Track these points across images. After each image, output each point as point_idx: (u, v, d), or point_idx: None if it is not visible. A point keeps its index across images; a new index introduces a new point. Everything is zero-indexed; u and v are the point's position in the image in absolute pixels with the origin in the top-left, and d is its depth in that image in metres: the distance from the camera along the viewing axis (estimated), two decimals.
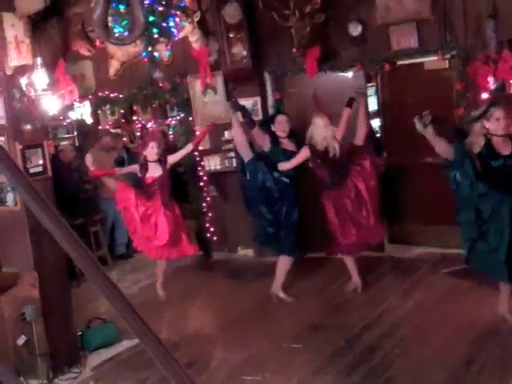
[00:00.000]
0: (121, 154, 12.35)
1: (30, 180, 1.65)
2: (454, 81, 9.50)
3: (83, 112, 12.45)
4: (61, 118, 12.42)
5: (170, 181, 9.83)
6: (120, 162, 11.67)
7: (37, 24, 7.74)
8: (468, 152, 7.34)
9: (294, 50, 9.96)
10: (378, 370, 6.82)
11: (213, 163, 11.42)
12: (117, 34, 7.96)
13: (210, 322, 9.32)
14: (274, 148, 9.11)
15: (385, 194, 10.71)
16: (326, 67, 10.23)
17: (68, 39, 8.96)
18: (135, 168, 9.92)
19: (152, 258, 9.97)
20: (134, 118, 13.73)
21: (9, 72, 7.16)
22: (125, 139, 13.57)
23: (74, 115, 12.77)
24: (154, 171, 9.67)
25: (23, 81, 7.62)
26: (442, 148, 7.61)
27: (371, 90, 11.47)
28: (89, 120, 12.90)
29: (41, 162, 7.53)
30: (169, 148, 11.92)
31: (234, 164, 11.16)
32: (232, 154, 11.19)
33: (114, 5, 7.74)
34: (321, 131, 8.80)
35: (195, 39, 10.52)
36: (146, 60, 8.71)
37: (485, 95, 8.73)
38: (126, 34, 7.92)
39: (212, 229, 11.52)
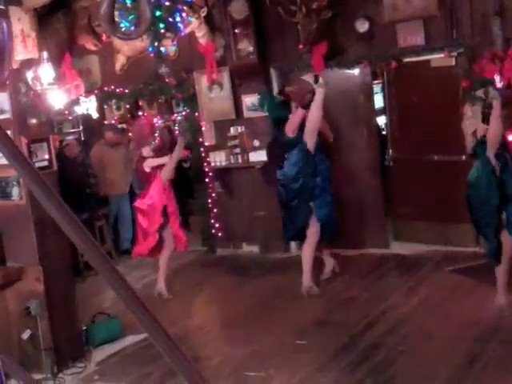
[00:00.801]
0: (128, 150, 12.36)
1: (39, 173, 1.65)
2: (460, 78, 9.48)
3: (89, 107, 12.43)
4: (66, 112, 12.41)
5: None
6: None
7: (43, 18, 7.73)
8: None
9: (301, 46, 9.95)
10: (382, 367, 6.82)
11: (218, 159, 11.41)
12: (123, 29, 7.96)
13: (215, 318, 9.33)
14: None
15: (390, 192, 10.74)
16: (332, 64, 10.21)
17: (74, 33, 8.96)
18: (166, 159, 9.88)
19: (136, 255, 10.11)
20: (140, 113, 13.71)
21: (15, 66, 7.15)
22: (130, 134, 13.55)
23: (79, 110, 12.76)
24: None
25: (29, 75, 7.60)
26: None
27: (377, 87, 11.47)
28: (94, 115, 12.89)
29: (46, 156, 7.53)
30: (174, 143, 11.90)
31: (240, 160, 11.16)
32: (237, 150, 11.19)
33: None
34: None
35: (202, 34, 10.51)
36: (152, 55, 8.71)
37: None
38: (132, 28, 7.92)
39: (217, 225, 11.52)
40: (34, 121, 7.47)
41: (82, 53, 11.13)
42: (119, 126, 13.41)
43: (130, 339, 8.22)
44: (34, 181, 1.65)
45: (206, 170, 11.49)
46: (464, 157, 9.27)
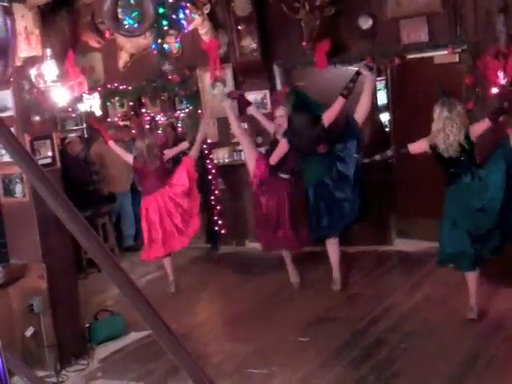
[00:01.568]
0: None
1: (43, 171, 1.65)
2: (464, 75, 9.47)
3: (92, 104, 12.43)
4: (70, 109, 12.41)
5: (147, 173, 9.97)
6: None
7: (46, 15, 7.73)
8: None
9: (304, 43, 9.94)
10: (385, 364, 6.83)
11: (221, 156, 11.42)
12: (126, 26, 7.96)
13: (218, 315, 9.34)
14: None
15: (393, 188, 10.73)
16: (335, 60, 10.20)
17: (77, 31, 8.95)
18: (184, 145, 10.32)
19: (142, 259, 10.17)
20: (143, 110, 13.70)
21: (18, 63, 7.15)
22: (133, 131, 13.55)
23: (83, 107, 12.76)
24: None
25: (32, 72, 7.61)
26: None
27: (381, 84, 11.45)
28: (98, 112, 12.89)
29: (49, 153, 7.54)
30: (178, 141, 11.91)
31: (243, 157, 11.16)
32: (241, 147, 11.19)
33: None
34: None
35: (205, 31, 10.50)
36: (155, 52, 8.70)
37: (494, 90, 8.70)
38: (135, 25, 7.92)
39: (220, 222, 11.51)
40: (37, 118, 7.48)
41: (86, 50, 11.13)
42: (122, 123, 13.41)
43: (132, 336, 8.24)
44: (38, 178, 1.65)
45: (209, 167, 11.48)
46: None
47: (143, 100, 13.05)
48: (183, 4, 8.36)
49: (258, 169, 9.22)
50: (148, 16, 7.52)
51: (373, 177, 10.48)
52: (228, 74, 11.10)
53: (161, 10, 7.97)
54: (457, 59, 9.84)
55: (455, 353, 6.89)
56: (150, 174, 9.79)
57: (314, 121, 8.85)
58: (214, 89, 11.20)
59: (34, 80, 7.61)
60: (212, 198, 11.53)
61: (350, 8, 10.01)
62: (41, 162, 7.25)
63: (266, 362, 7.15)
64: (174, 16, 8.22)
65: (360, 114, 8.93)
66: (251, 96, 10.98)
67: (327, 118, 8.79)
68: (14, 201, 7.46)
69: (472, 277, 7.62)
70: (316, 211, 8.96)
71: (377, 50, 10.02)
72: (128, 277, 1.77)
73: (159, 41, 8.33)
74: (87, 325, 8.18)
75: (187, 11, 8.53)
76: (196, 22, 10.01)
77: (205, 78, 11.24)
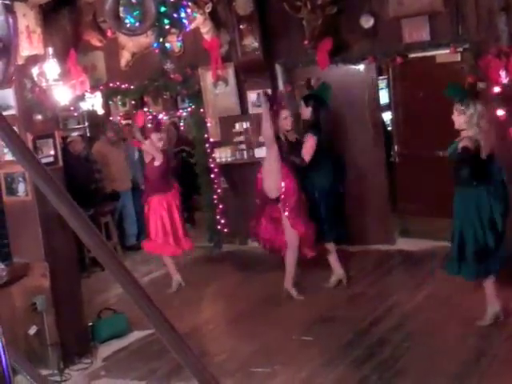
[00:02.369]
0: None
1: (47, 170, 1.65)
2: (466, 74, 9.46)
3: (94, 103, 12.43)
4: (72, 108, 12.42)
5: (167, 172, 9.90)
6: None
7: (48, 14, 7.73)
8: None
9: (306, 42, 9.93)
10: (388, 363, 6.83)
11: (224, 155, 11.41)
12: (128, 25, 7.97)
13: (221, 314, 9.34)
14: None
15: (395, 188, 10.73)
16: (337, 59, 10.20)
17: (79, 29, 8.95)
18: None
19: (146, 251, 10.12)
20: (145, 109, 13.71)
21: (20, 62, 7.15)
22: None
23: (85, 106, 12.76)
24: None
25: (34, 71, 7.61)
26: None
27: (383, 83, 11.46)
28: (100, 111, 12.90)
29: (52, 152, 7.55)
30: (180, 139, 11.93)
31: (245, 156, 11.17)
32: (243, 146, 11.19)
33: None
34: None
35: (206, 30, 10.50)
36: (157, 51, 8.72)
37: (496, 89, 8.70)
38: (137, 24, 7.93)
39: (223, 221, 11.52)
40: (39, 117, 7.48)
41: (87, 49, 11.12)
42: (124, 122, 13.43)
43: (136, 335, 8.24)
44: (41, 177, 1.65)
45: (212, 166, 11.48)
46: None
47: (145, 99, 13.07)
48: (185, 3, 8.37)
49: (287, 188, 8.92)
50: (150, 15, 7.53)
51: (375, 176, 10.52)
52: (230, 73, 11.10)
53: (162, 9, 7.98)
54: (459, 58, 9.84)
55: (458, 352, 6.89)
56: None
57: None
58: (216, 88, 11.21)
59: (35, 79, 7.61)
60: (215, 196, 11.53)
61: (351, 7, 10.01)
62: (43, 160, 7.25)
63: (269, 360, 7.15)
64: (175, 15, 8.23)
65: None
66: (252, 95, 11.00)
67: None
68: (16, 200, 7.46)
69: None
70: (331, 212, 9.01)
71: (379, 49, 10.02)
72: (131, 275, 1.77)
73: (161, 40, 8.34)
74: (90, 323, 8.18)
75: (189, 10, 8.54)
76: (198, 21, 10.01)
77: (207, 77, 11.25)
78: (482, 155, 7.14)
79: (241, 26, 10.69)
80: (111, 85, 11.98)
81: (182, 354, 1.85)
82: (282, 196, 8.78)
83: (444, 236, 10.19)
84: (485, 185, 7.20)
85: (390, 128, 11.67)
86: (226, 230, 11.56)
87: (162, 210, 9.72)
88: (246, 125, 11.20)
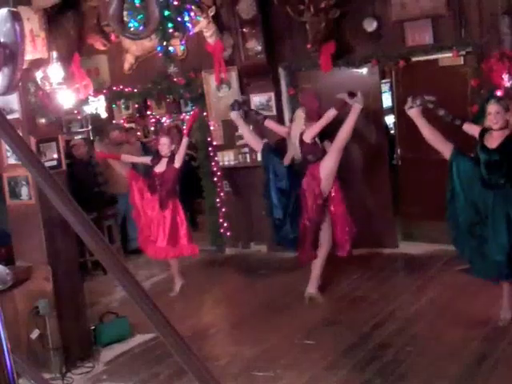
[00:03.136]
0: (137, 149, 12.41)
1: (51, 173, 1.65)
2: (469, 77, 9.47)
3: (98, 106, 12.47)
4: (75, 112, 12.45)
5: (173, 180, 9.81)
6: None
7: (52, 18, 7.74)
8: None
9: (309, 45, 9.94)
10: (391, 367, 6.82)
11: (227, 158, 11.41)
12: (132, 29, 7.99)
13: (223, 318, 9.33)
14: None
15: (398, 191, 10.73)
16: (340, 63, 10.22)
17: (83, 33, 8.95)
18: (146, 159, 10.02)
19: (150, 256, 10.08)
20: (148, 112, 13.74)
21: (24, 66, 7.16)
22: (138, 133, 13.59)
23: (88, 109, 12.80)
24: (162, 167, 9.70)
25: (38, 75, 7.62)
26: (429, 134, 7.71)
27: (386, 87, 11.46)
28: (103, 114, 12.93)
29: (55, 155, 7.55)
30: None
31: (248, 159, 11.17)
32: (246, 150, 11.19)
33: None
34: (294, 124, 8.93)
35: (210, 34, 10.51)
36: (160, 55, 8.72)
37: (499, 92, 8.70)
38: (141, 28, 7.94)
39: (225, 224, 11.52)
40: (43, 120, 7.49)
41: (91, 52, 11.13)
42: (127, 125, 13.44)
43: (138, 339, 8.23)
44: (45, 181, 1.65)
45: (215, 169, 11.49)
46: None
47: (149, 102, 13.09)
48: (188, 7, 8.37)
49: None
50: (153, 19, 7.53)
51: (378, 179, 10.52)
52: (233, 77, 11.11)
53: (166, 13, 7.99)
54: (462, 62, 9.85)
55: (461, 355, 6.88)
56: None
57: None
58: (219, 91, 11.22)
59: (39, 82, 7.62)
60: (217, 200, 11.53)
61: (354, 10, 10.02)
62: (46, 164, 7.25)
63: (272, 364, 7.15)
64: (179, 19, 8.23)
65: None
66: (256, 98, 11.01)
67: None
68: (20, 203, 7.47)
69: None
70: None
71: (382, 52, 10.03)
72: (134, 279, 1.77)
73: (164, 43, 8.35)
74: (93, 327, 8.17)
75: (192, 14, 8.54)
76: (201, 25, 10.02)
77: (210, 81, 11.25)
78: None
79: (244, 30, 10.70)
80: (115, 88, 11.99)
81: (184, 358, 1.85)
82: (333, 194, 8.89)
83: (447, 239, 10.21)
84: None
85: (392, 131, 11.67)
86: (228, 234, 11.56)
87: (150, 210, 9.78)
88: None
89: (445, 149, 7.76)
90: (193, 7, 8.59)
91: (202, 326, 8.67)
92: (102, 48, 10.12)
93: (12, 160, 7.19)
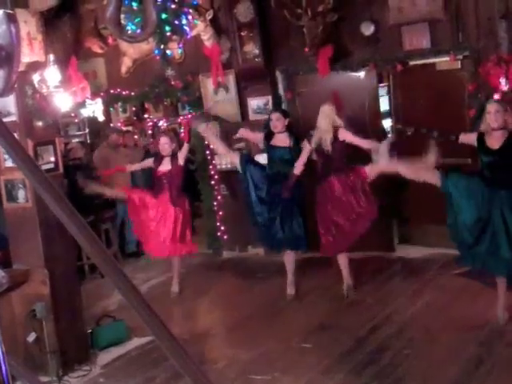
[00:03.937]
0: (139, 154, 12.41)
1: (47, 176, 1.65)
2: (466, 81, 9.48)
3: (95, 109, 12.46)
4: (73, 115, 12.44)
5: (180, 176, 9.84)
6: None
7: (49, 21, 7.74)
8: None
9: (306, 49, 9.95)
10: (387, 371, 6.81)
11: (224, 162, 11.41)
12: (129, 32, 7.99)
13: (220, 321, 9.32)
14: (266, 144, 9.29)
15: (395, 195, 10.72)
16: (338, 67, 10.23)
17: (80, 36, 8.97)
18: (149, 162, 10.06)
19: (155, 255, 10.07)
20: (146, 115, 13.73)
21: (21, 68, 7.16)
22: (136, 137, 13.57)
23: (85, 112, 12.78)
24: (167, 165, 9.73)
25: (35, 77, 7.62)
26: (411, 173, 8.27)
27: (383, 90, 11.46)
28: (100, 117, 12.92)
29: (52, 158, 7.54)
30: (180, 146, 11.91)
31: None
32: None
33: (126, 2, 7.76)
34: (320, 119, 8.85)
35: (207, 37, 10.53)
36: (158, 58, 8.72)
37: (497, 96, 8.71)
38: (138, 31, 7.95)
39: (223, 227, 11.52)
40: (40, 123, 7.48)
41: (88, 55, 11.16)
42: (125, 128, 13.43)
43: (135, 342, 8.22)
44: (41, 184, 1.65)
45: (212, 172, 11.49)
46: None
47: (146, 105, 13.09)
48: (186, 10, 8.38)
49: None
50: (151, 22, 7.54)
51: (376, 183, 10.51)
52: (230, 80, 11.12)
53: (163, 16, 8.00)
54: (459, 66, 9.84)
55: (458, 359, 6.88)
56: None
57: None
58: (217, 94, 11.23)
59: (36, 85, 7.63)
60: (215, 203, 11.53)
61: (352, 14, 10.03)
62: (43, 167, 7.26)
63: (269, 368, 7.14)
64: (176, 22, 8.24)
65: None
66: (253, 102, 11.03)
67: None
68: (16, 206, 7.46)
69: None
70: None
71: (379, 56, 10.05)
72: (131, 282, 1.77)
73: (162, 46, 8.35)
74: (90, 330, 8.16)
75: (190, 17, 8.55)
76: (199, 28, 10.03)
77: (207, 84, 11.27)
78: None
79: (241, 33, 10.72)
80: (112, 91, 12.00)
81: (181, 362, 1.85)
82: None
83: (444, 243, 10.22)
84: None
85: (390, 135, 11.66)
86: (226, 237, 11.56)
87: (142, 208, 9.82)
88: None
89: (432, 178, 7.87)
90: (190, 10, 8.61)
91: (199, 329, 8.67)
92: (100, 51, 10.14)
93: (9, 163, 7.19)
